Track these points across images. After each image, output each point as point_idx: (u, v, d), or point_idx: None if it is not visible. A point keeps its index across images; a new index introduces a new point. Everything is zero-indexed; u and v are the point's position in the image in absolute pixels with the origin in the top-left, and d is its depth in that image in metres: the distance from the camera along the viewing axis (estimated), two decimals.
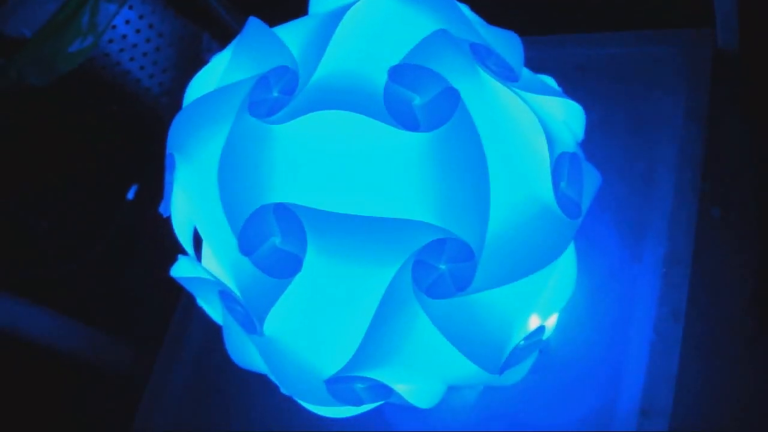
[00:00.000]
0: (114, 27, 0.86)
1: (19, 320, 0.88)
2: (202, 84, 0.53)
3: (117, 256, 0.99)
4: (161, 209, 0.51)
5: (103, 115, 0.98)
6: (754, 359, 0.69)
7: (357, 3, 0.48)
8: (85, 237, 0.98)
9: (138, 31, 0.88)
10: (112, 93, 0.91)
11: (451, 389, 0.56)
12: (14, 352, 0.88)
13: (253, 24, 0.49)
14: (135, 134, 0.98)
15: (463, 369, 0.48)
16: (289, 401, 0.53)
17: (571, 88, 0.55)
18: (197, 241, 0.53)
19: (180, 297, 0.79)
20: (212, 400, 0.74)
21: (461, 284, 0.44)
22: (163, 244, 0.54)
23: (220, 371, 0.73)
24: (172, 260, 0.53)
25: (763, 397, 0.66)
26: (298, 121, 0.44)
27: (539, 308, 0.52)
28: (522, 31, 0.52)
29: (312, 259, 0.44)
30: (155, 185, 0.53)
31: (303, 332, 0.49)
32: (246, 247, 0.44)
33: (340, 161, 0.45)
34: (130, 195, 0.99)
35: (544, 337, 0.53)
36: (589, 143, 0.56)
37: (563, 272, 0.54)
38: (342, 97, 0.44)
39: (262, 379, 0.53)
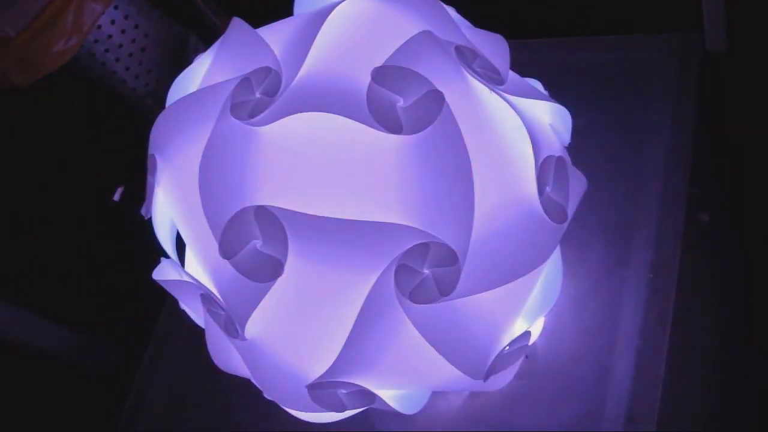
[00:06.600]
0: (99, 27, 0.85)
1: (4, 323, 0.87)
2: (184, 85, 0.52)
3: (103, 257, 0.98)
4: (142, 211, 0.51)
5: (87, 116, 0.97)
6: (741, 365, 0.69)
7: (341, 4, 0.48)
8: (71, 238, 0.98)
9: (123, 31, 0.88)
10: (97, 93, 0.91)
11: (436, 394, 0.56)
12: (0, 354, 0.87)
13: (237, 25, 0.48)
14: (121, 135, 0.97)
15: (448, 374, 0.47)
16: (274, 405, 0.52)
17: (558, 92, 0.55)
18: (182, 243, 0.53)
19: (165, 298, 0.78)
20: (198, 402, 0.74)
21: (445, 289, 0.43)
22: (150, 245, 0.53)
23: (205, 373, 0.73)
24: (158, 261, 0.53)
25: (750, 402, 0.66)
26: (280, 122, 0.44)
27: (524, 313, 0.52)
28: (509, 33, 0.52)
29: (293, 262, 0.44)
30: (140, 187, 0.53)
31: (285, 337, 0.48)
32: (227, 251, 0.44)
33: (322, 163, 0.45)
34: (116, 196, 0.99)
35: (530, 342, 0.52)
36: (576, 147, 0.56)
37: (549, 277, 0.53)
38: (324, 98, 0.44)
39: (246, 382, 0.53)
